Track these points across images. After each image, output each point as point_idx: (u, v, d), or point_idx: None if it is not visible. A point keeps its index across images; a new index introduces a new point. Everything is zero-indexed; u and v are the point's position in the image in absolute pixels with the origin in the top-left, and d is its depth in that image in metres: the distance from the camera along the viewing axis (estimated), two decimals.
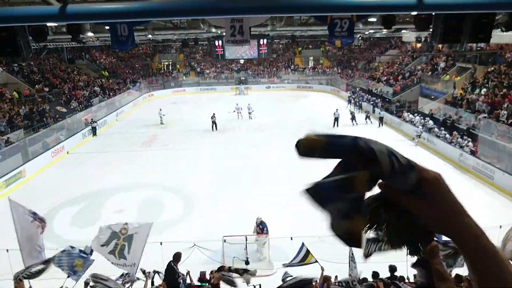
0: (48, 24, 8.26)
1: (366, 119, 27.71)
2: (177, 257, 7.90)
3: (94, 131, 25.91)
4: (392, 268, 8.10)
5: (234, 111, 29.20)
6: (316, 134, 0.75)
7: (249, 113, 29.45)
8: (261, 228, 11.24)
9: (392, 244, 0.86)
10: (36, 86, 27.47)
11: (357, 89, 35.56)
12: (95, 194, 15.95)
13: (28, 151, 19.28)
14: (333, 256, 8.86)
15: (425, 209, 0.77)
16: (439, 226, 0.78)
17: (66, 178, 18.06)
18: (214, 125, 26.00)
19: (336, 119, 26.25)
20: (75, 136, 23.96)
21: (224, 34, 17.35)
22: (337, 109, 26.67)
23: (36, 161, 19.08)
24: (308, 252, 8.36)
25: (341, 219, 0.76)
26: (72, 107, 27.62)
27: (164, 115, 28.33)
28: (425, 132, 21.95)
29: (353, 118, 27.25)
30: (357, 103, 32.02)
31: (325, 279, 7.22)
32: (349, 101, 33.19)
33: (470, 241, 0.75)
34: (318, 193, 0.76)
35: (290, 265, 8.44)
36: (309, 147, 0.75)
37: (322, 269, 7.87)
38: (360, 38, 32.42)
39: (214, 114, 26.17)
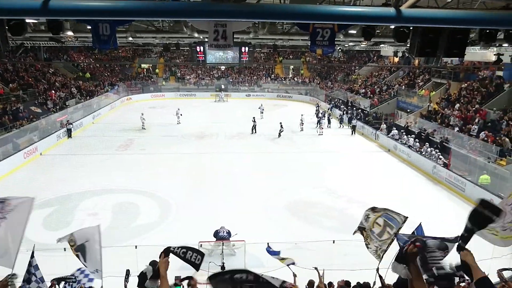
0: (29, 20, 8.11)
1: (340, 123, 30.54)
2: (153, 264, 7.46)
3: (69, 133, 25.34)
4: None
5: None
6: None
7: (178, 116, 30.33)
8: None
9: None
10: (10, 85, 26.71)
11: (349, 104, 34.37)
12: (69, 197, 15.53)
13: None
14: (308, 262, 8.93)
15: None
16: None
17: (38, 180, 17.53)
18: (254, 128, 27.49)
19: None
20: (49, 137, 23.29)
21: (206, 39, 17.39)
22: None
23: (7, 162, 18.42)
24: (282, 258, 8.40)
25: None
26: (47, 107, 26.95)
27: (145, 119, 28.30)
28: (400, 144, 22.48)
29: (329, 121, 30.19)
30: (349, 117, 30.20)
31: (309, 283, 7.24)
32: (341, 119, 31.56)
33: None
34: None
35: (269, 250, 8.73)
36: None
37: (294, 275, 7.84)
38: (340, 50, 32.96)
39: (254, 118, 27.96)
